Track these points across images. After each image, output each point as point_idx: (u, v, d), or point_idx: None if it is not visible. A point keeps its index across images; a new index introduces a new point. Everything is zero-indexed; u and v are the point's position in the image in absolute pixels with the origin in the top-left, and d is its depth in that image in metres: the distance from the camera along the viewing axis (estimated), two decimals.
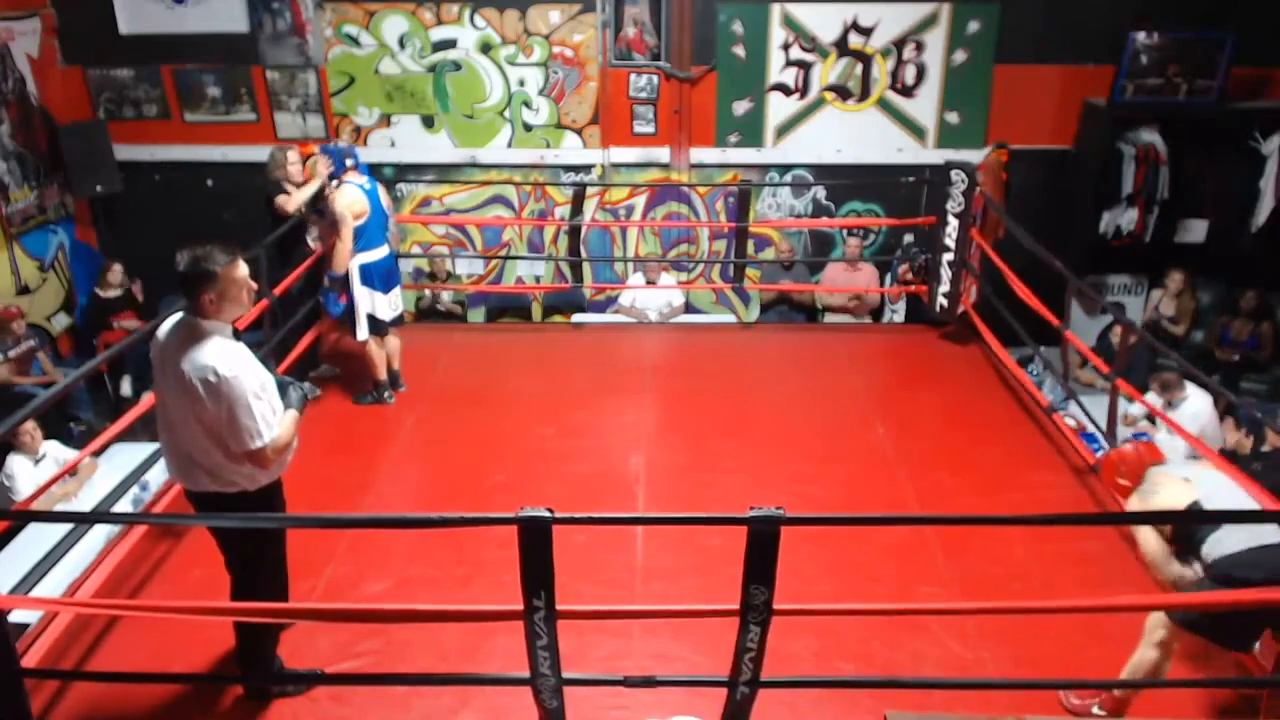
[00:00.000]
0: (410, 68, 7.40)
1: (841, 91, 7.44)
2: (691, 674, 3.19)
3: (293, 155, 5.59)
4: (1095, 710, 3.09)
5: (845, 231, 7.81)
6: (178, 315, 2.85)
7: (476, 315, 7.79)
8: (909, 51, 7.30)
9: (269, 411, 2.81)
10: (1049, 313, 5.15)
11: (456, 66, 7.40)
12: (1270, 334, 7.03)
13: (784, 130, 7.53)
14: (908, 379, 5.96)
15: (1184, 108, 6.99)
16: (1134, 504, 3.10)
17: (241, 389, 2.70)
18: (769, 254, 7.78)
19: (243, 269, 2.83)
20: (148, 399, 4.34)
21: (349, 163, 5.10)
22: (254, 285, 2.90)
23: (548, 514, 2.46)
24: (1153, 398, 5.47)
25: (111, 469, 4.94)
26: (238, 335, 2.88)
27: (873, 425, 5.16)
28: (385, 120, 7.56)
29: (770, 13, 7.20)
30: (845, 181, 7.63)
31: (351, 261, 5.06)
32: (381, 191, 5.29)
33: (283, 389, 2.95)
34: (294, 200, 5.48)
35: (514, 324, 7.74)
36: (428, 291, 7.42)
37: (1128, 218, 7.29)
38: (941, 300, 6.28)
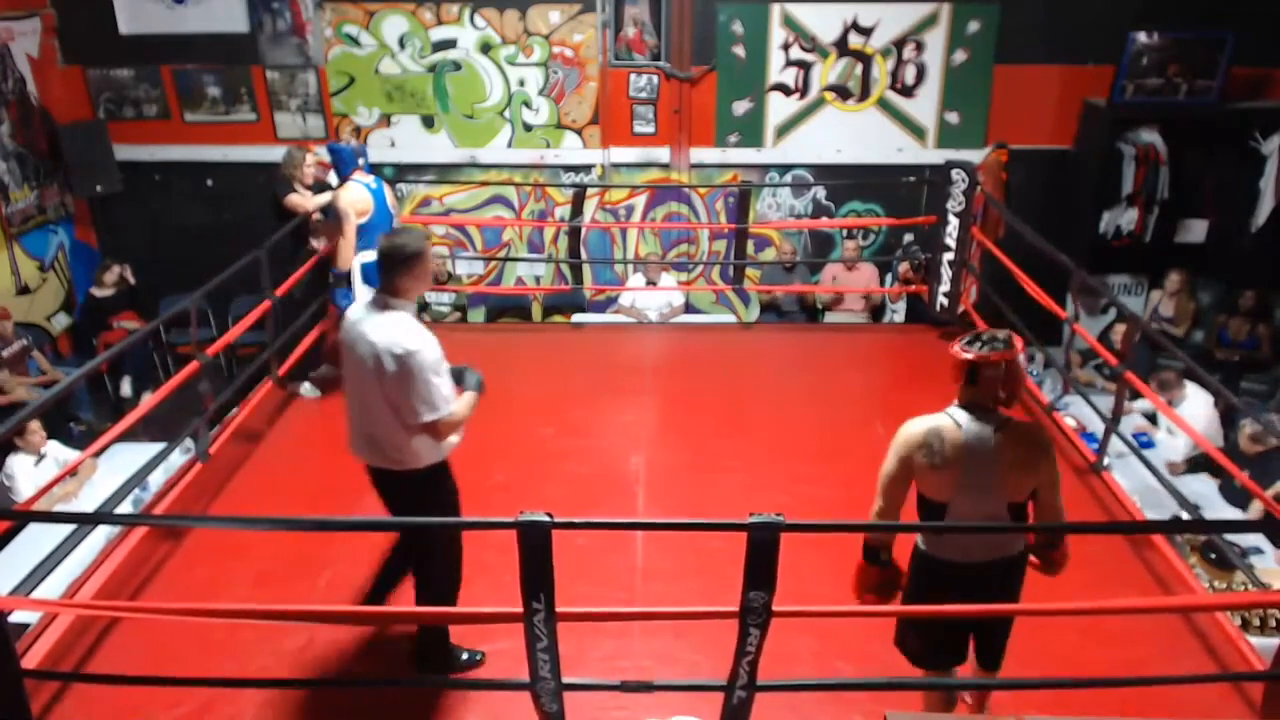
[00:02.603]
0: (410, 68, 7.40)
1: (841, 91, 7.44)
2: (692, 674, 3.19)
3: (310, 157, 5.62)
4: None
5: (843, 232, 7.81)
6: (370, 297, 3.06)
7: (476, 315, 7.79)
8: (909, 51, 7.30)
9: (446, 389, 2.99)
10: (1055, 305, 5.15)
11: (456, 66, 7.40)
12: (1269, 334, 7.03)
13: (784, 130, 7.53)
14: (908, 379, 5.95)
15: (1184, 108, 6.99)
16: None
17: (422, 363, 2.89)
18: (769, 254, 7.78)
19: (432, 251, 3.09)
20: (148, 400, 4.36)
21: (360, 161, 5.12)
22: (437, 266, 3.13)
23: (547, 518, 2.46)
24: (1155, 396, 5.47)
25: (112, 469, 4.94)
26: (419, 314, 3.09)
27: (873, 425, 5.14)
28: (385, 120, 7.56)
29: (770, 13, 7.20)
30: (845, 181, 7.64)
31: (354, 260, 5.07)
32: (387, 191, 5.30)
33: (458, 375, 3.14)
34: (312, 202, 5.50)
35: (514, 324, 7.74)
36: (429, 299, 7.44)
37: (1128, 218, 7.30)
38: (942, 300, 6.28)
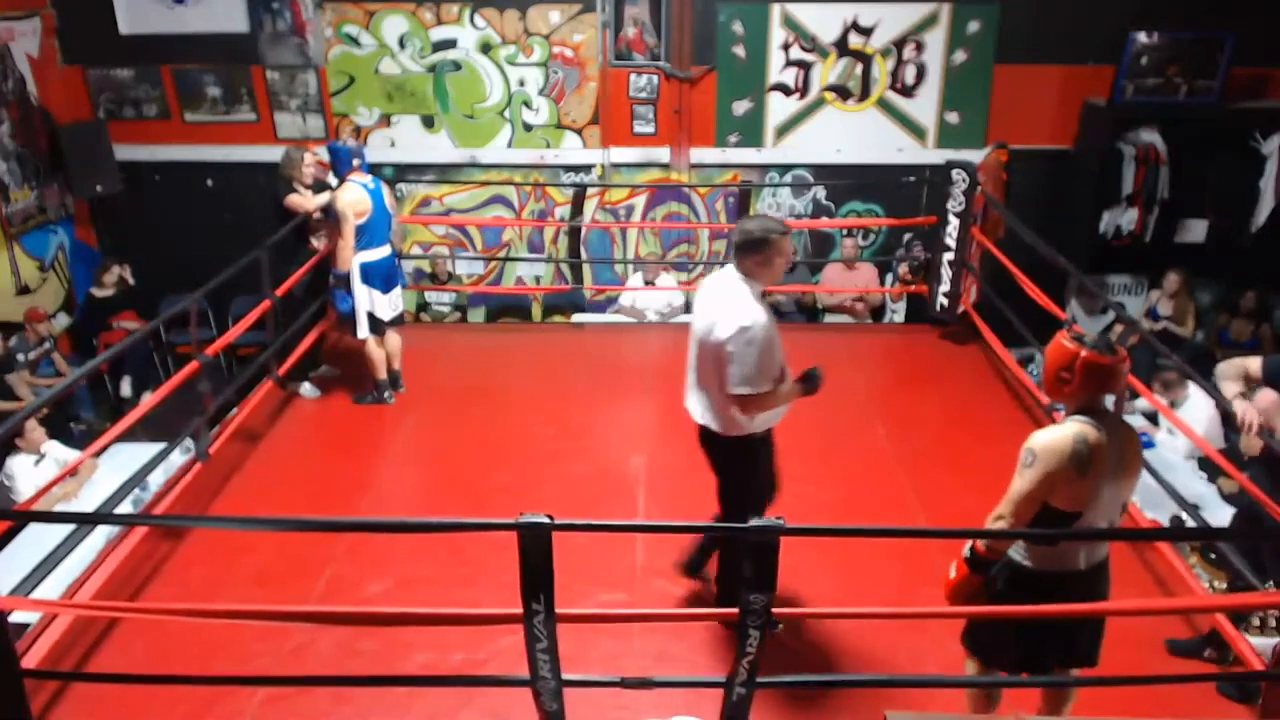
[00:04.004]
0: (410, 68, 7.40)
1: (841, 91, 7.44)
2: (691, 673, 3.19)
3: (308, 157, 5.62)
4: None
5: (842, 232, 7.81)
6: (726, 269, 3.26)
7: (476, 315, 7.79)
8: (909, 51, 7.30)
9: (766, 372, 3.14)
10: (1055, 305, 5.14)
11: (456, 66, 7.40)
12: (1270, 335, 7.03)
13: (784, 130, 7.53)
14: (908, 379, 5.96)
15: (1184, 108, 6.99)
16: None
17: (747, 339, 3.06)
18: None
19: (790, 244, 3.24)
20: (148, 400, 4.37)
21: (355, 162, 5.11)
22: (792, 258, 3.19)
23: (547, 520, 2.46)
24: (1155, 397, 5.47)
25: (112, 469, 4.94)
26: (763, 297, 3.21)
27: (873, 425, 5.16)
28: (385, 120, 7.56)
29: (770, 13, 7.20)
30: (845, 181, 7.63)
31: (353, 260, 5.07)
32: (386, 191, 5.29)
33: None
34: (312, 202, 5.50)
35: (514, 324, 7.74)
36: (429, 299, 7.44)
37: (1128, 218, 7.30)
38: (942, 300, 6.29)
